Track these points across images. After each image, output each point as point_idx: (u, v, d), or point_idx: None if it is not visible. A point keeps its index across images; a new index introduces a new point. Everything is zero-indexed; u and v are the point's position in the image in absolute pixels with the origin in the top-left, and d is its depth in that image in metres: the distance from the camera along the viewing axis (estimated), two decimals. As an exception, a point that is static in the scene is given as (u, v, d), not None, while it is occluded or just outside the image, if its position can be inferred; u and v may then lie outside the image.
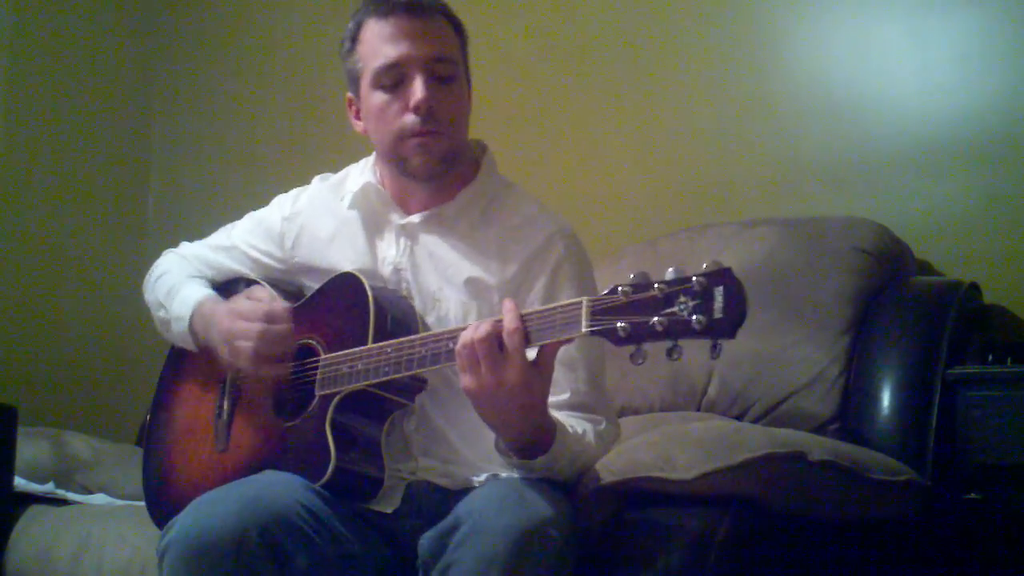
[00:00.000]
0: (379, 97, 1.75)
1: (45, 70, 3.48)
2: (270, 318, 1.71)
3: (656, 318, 1.34)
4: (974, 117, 2.35)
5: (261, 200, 2.02)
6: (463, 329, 1.51)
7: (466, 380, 1.48)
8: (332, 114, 3.31)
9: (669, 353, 1.35)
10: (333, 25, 3.37)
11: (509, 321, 1.45)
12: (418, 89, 1.71)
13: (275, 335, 1.70)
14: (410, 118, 1.72)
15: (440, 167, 1.76)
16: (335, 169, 1.98)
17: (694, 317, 1.32)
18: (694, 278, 1.33)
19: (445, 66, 1.74)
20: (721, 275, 1.32)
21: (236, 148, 3.61)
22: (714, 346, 1.33)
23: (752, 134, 2.63)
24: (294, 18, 3.55)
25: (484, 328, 1.46)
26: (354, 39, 1.80)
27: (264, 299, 1.75)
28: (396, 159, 1.77)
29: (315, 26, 3.48)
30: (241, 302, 1.76)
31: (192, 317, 1.85)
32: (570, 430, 1.60)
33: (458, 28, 1.80)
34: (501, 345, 1.45)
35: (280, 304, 1.74)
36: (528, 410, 1.49)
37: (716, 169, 2.68)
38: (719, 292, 1.31)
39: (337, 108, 3.27)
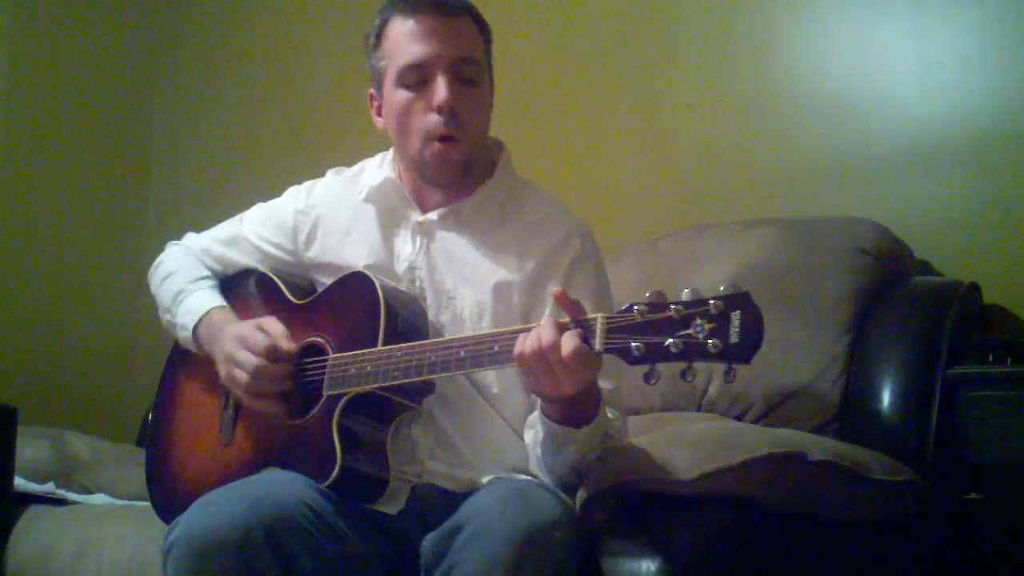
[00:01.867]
0: (402, 96, 1.75)
1: (46, 70, 3.49)
2: (271, 354, 1.69)
3: (671, 339, 1.34)
4: (974, 117, 2.35)
5: (260, 198, 2.02)
6: (476, 338, 1.53)
7: (527, 380, 1.50)
8: (332, 113, 3.34)
9: (683, 375, 1.35)
10: (333, 25, 3.40)
11: (566, 342, 1.43)
12: (442, 90, 1.71)
13: (270, 374, 1.70)
14: (433, 118, 1.72)
15: (458, 176, 1.76)
16: (335, 166, 1.97)
17: (710, 341, 1.31)
18: (711, 301, 1.32)
19: (470, 68, 1.74)
20: (739, 299, 1.32)
21: (236, 148, 3.61)
22: (728, 370, 1.32)
23: (752, 134, 2.63)
24: (294, 18, 3.55)
25: (533, 341, 1.46)
26: (379, 36, 1.78)
27: (272, 332, 1.72)
28: (415, 162, 1.77)
29: (315, 26, 3.48)
30: (248, 330, 1.74)
31: (197, 327, 1.85)
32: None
33: (483, 29, 1.80)
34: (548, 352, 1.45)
35: (286, 343, 1.71)
36: (582, 394, 1.51)
37: (716, 169, 2.67)
38: (736, 316, 1.31)
39: (337, 107, 3.31)
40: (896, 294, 2.15)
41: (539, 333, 1.45)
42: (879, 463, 1.77)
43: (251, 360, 1.69)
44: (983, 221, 2.31)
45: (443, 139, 1.72)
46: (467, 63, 1.74)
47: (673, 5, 2.79)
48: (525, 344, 1.46)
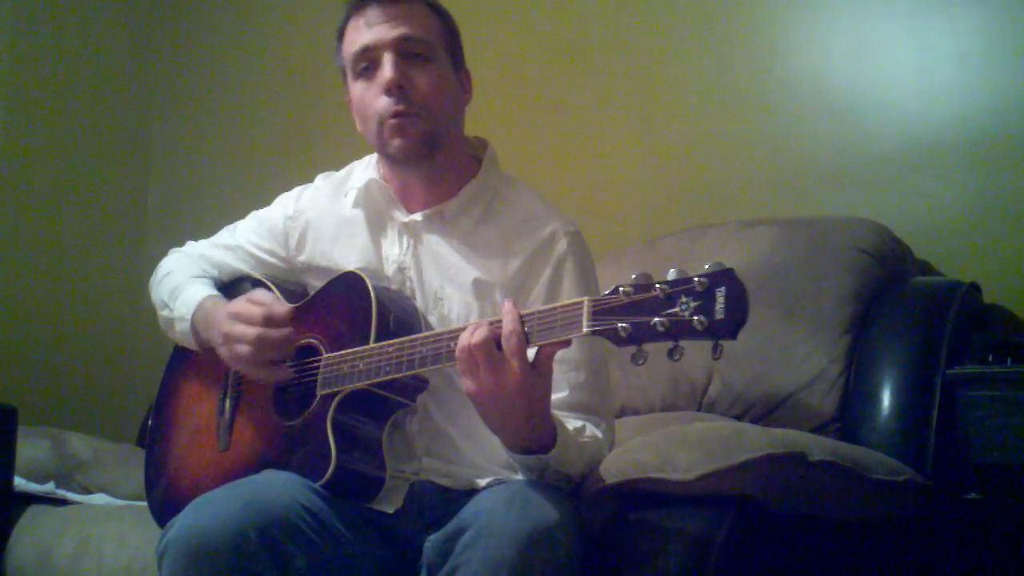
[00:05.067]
0: (359, 87, 1.77)
1: (45, 70, 3.49)
2: (268, 322, 1.70)
3: (657, 319, 1.34)
4: (974, 117, 2.35)
5: (261, 200, 2.03)
6: (464, 329, 1.51)
7: (467, 383, 1.47)
8: (332, 113, 3.33)
9: (671, 354, 1.35)
10: (333, 25, 3.39)
11: (507, 323, 1.44)
12: (386, 69, 1.72)
13: (272, 340, 1.70)
14: (382, 100, 1.73)
15: (419, 149, 1.75)
16: (336, 167, 1.98)
17: (695, 318, 1.32)
18: (696, 279, 1.33)
19: (416, 45, 1.74)
20: (723, 276, 1.32)
21: (236, 148, 3.61)
22: (715, 347, 1.33)
23: (752, 134, 2.63)
24: (294, 18, 3.55)
25: (481, 331, 1.45)
26: (339, 39, 1.82)
27: (265, 302, 1.73)
28: (379, 145, 1.77)
29: (314, 26, 3.47)
30: (240, 304, 1.75)
31: (194, 316, 1.85)
32: (570, 427, 1.60)
33: (441, 15, 1.80)
34: (500, 347, 1.44)
35: (280, 307, 1.72)
36: (529, 413, 1.48)
37: (716, 169, 2.68)
38: (720, 293, 1.31)
39: (336, 107, 3.30)
40: (896, 294, 2.15)
41: (472, 326, 1.47)
42: (879, 463, 1.77)
43: (249, 332, 1.70)
44: (983, 221, 2.31)
45: (396, 115, 1.72)
46: (413, 41, 1.74)
47: (672, 5, 2.79)
48: (474, 334, 1.46)
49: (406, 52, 1.74)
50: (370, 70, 1.75)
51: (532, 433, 1.51)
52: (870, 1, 2.50)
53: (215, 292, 1.90)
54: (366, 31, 1.75)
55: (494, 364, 1.44)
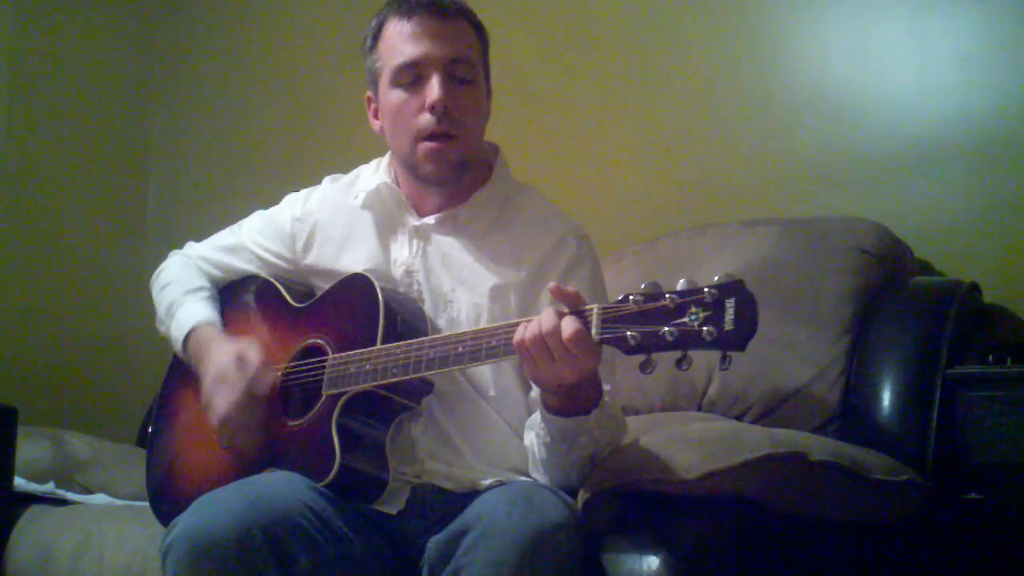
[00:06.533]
0: (397, 95, 1.75)
1: (46, 70, 3.49)
2: (245, 403, 1.70)
3: (667, 328, 1.35)
4: (974, 117, 2.35)
5: (260, 200, 2.02)
6: (473, 333, 1.54)
7: (531, 371, 1.50)
8: (332, 114, 3.34)
9: (679, 363, 1.36)
10: (333, 25, 3.40)
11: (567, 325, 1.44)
12: (435, 88, 1.71)
13: (242, 422, 1.71)
14: (425, 118, 1.72)
15: (452, 175, 1.76)
16: (335, 168, 1.98)
17: (705, 328, 1.32)
18: (706, 289, 1.34)
19: (464, 68, 1.74)
20: (733, 287, 1.33)
21: (236, 148, 3.61)
22: (723, 358, 1.33)
23: (752, 134, 2.63)
24: (294, 18, 3.55)
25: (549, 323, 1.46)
26: (375, 37, 1.79)
27: (249, 372, 1.72)
28: (409, 161, 1.77)
29: (316, 26, 3.48)
30: (229, 368, 1.73)
31: (186, 342, 1.86)
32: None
33: (480, 32, 1.80)
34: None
35: (261, 389, 1.72)
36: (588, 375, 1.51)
37: (716, 169, 2.67)
38: (730, 304, 1.32)
39: (337, 108, 3.31)
40: (896, 294, 2.15)
41: (539, 320, 1.46)
42: (879, 463, 1.77)
43: (223, 406, 1.71)
44: (983, 221, 2.30)
45: (436, 137, 1.73)
46: (462, 63, 1.74)
47: (673, 5, 2.79)
48: (526, 331, 1.47)
49: (453, 74, 1.73)
50: (414, 84, 1.74)
51: (582, 394, 1.53)
52: (870, 1, 2.50)
53: (210, 313, 1.89)
54: (413, 43, 1.73)
55: (550, 357, 1.45)
